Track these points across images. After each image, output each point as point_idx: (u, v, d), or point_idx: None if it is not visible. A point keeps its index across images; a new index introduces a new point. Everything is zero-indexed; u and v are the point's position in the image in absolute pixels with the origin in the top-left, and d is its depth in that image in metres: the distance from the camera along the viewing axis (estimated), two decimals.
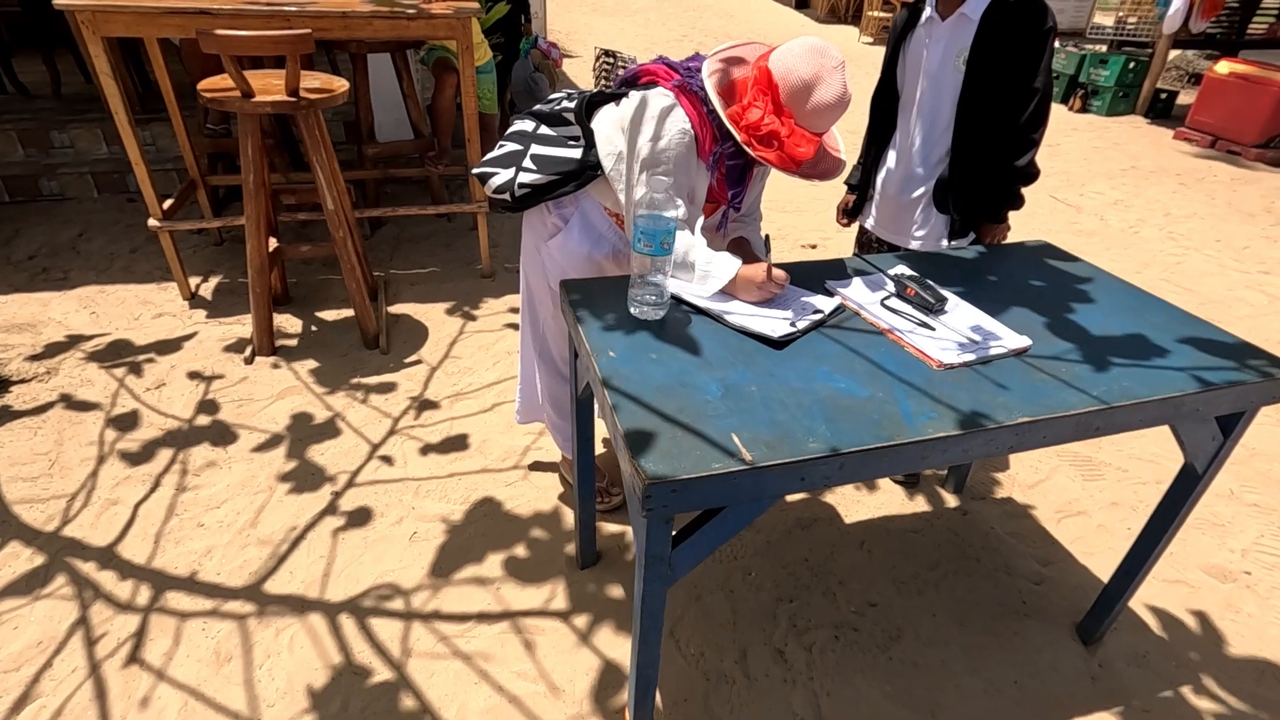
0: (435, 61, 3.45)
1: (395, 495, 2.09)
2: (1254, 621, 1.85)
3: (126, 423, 2.32)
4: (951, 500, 2.21)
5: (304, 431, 2.32)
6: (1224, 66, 5.96)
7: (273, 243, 2.70)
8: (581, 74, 7.17)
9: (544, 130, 1.62)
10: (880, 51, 9.54)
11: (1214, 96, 6.01)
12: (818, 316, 1.38)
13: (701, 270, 1.39)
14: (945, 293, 1.45)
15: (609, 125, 1.50)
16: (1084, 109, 7.16)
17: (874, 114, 2.08)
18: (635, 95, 1.44)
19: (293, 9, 2.54)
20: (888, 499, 2.20)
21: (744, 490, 1.02)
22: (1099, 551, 2.03)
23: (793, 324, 1.34)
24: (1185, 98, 7.44)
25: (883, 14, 10.41)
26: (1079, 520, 2.15)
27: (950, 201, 1.90)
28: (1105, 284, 1.63)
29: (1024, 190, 1.88)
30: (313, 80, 2.48)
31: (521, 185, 1.57)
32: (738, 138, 1.37)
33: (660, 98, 1.40)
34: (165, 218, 2.86)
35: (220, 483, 2.10)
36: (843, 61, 1.36)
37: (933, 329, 1.36)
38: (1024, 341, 1.33)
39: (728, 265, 1.38)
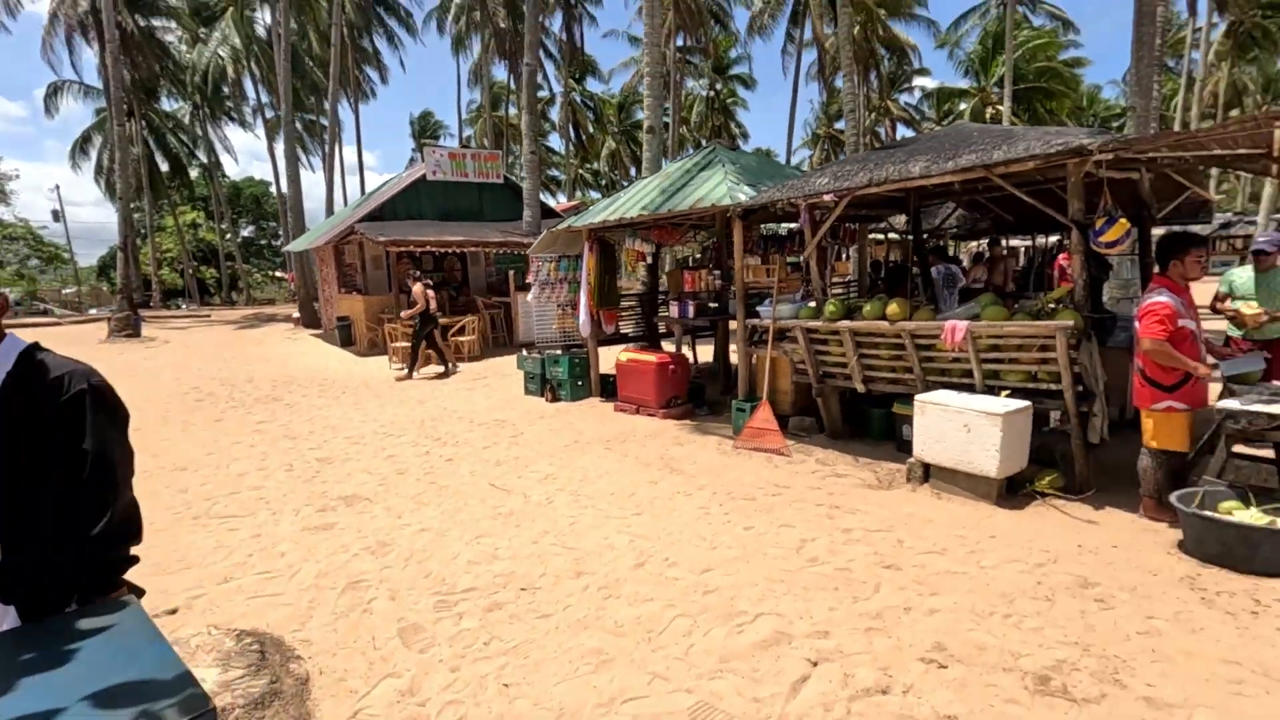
0: None
1: None
2: None
3: None
4: None
5: None
6: (624, 355, 7.78)
7: None
8: None
9: None
10: None
11: (625, 377, 7.73)
12: None
13: None
14: None
15: None
16: (555, 399, 8.53)
17: None
18: None
19: None
20: None
21: None
22: None
23: None
24: None
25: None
26: None
27: (10, 591, 1.62)
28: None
29: (127, 550, 1.73)
30: None
31: None
32: None
33: None
34: None
35: None
36: None
37: None
38: None
39: None
